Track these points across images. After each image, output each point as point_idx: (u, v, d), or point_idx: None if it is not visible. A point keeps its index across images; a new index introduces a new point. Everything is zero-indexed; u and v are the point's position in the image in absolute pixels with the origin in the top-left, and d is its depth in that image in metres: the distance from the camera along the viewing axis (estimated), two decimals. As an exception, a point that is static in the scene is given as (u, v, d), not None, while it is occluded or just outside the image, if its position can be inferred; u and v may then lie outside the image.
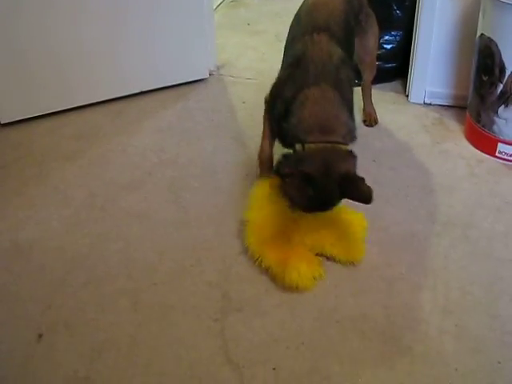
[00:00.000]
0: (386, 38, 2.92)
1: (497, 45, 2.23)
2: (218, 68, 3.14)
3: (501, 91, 2.27)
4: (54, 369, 1.58)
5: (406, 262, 1.90)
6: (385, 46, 2.93)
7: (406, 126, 2.66)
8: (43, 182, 2.32)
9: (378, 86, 2.94)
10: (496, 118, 2.34)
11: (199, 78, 3.01)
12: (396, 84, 2.98)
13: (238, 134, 2.60)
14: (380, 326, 1.68)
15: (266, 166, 2.08)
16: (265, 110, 2.06)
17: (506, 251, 1.94)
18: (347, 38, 2.11)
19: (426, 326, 1.68)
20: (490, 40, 2.25)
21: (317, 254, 1.85)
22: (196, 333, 1.66)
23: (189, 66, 2.95)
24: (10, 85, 2.61)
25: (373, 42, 2.41)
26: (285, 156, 1.81)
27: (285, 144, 1.93)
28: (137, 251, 1.96)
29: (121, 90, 2.88)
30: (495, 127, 2.36)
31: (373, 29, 2.37)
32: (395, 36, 2.92)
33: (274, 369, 1.55)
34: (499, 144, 2.37)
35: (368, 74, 2.55)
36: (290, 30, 2.17)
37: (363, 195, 1.69)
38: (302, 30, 2.05)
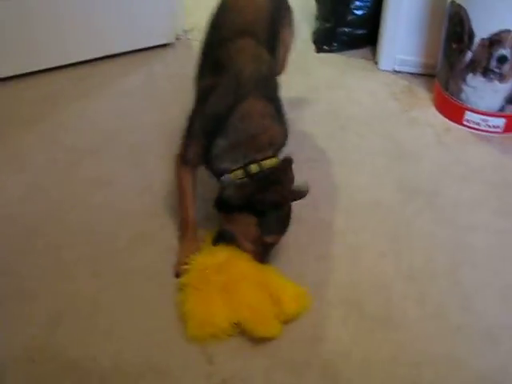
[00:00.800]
0: (357, 3, 2.85)
1: (466, 12, 2.20)
2: (186, 32, 3.05)
3: (470, 59, 2.25)
4: (12, 337, 1.54)
5: (371, 229, 1.90)
6: (355, 11, 2.87)
7: (375, 93, 2.63)
8: (1, 147, 2.24)
9: (347, 52, 2.92)
10: (464, 86, 2.33)
11: (165, 43, 2.93)
12: (366, 51, 2.94)
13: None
14: (343, 292, 1.68)
15: (192, 227, 1.77)
16: (178, 162, 1.77)
17: (470, 219, 1.95)
18: (272, 39, 1.89)
19: (389, 293, 1.68)
20: (460, 7, 2.23)
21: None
22: (157, 299, 1.64)
23: (155, 29, 2.86)
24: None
25: (290, 39, 2.07)
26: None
27: (213, 170, 1.69)
28: (97, 218, 1.92)
29: (84, 54, 2.78)
30: (463, 95, 2.35)
31: (291, 25, 2.07)
32: (366, 2, 2.86)
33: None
34: (467, 112, 2.36)
35: (280, 70, 2.05)
36: (206, 36, 1.92)
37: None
38: (222, 34, 1.83)
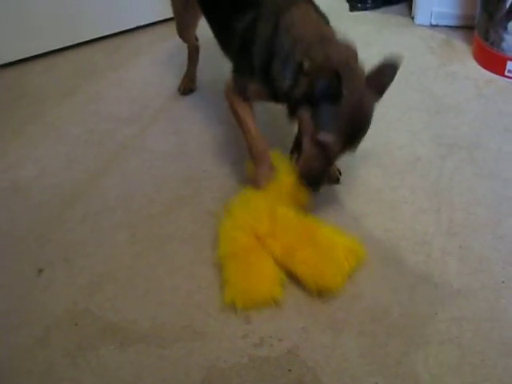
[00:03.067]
0: (391, -42, 2.79)
1: (505, -45, 2.11)
2: None
3: (510, 5, 2.16)
4: (54, 302, 1.57)
5: (409, 185, 1.85)
6: (389, -33, 2.80)
7: (412, 48, 2.56)
8: (40, 120, 2.28)
9: (382, 9, 2.84)
10: (505, 35, 2.24)
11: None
12: (401, 6, 2.86)
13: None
14: (381, 249, 1.65)
15: (265, 159, 1.73)
16: (231, 93, 1.75)
17: (512, 171, 1.89)
18: None
19: (429, 248, 1.65)
20: (498, -49, 2.14)
21: (287, 271, 1.55)
22: (194, 262, 1.64)
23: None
24: (3, 25, 2.54)
25: None
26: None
27: (281, 94, 1.60)
28: (134, 184, 1.94)
29: (117, 26, 2.80)
30: (504, 44, 2.26)
31: None
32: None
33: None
34: (508, 62, 2.27)
35: None
36: None
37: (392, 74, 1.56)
38: None
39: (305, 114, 1.50)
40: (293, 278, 1.54)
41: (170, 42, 2.68)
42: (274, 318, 1.49)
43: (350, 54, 1.54)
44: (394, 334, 1.44)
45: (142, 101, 2.34)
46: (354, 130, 1.50)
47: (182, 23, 2.23)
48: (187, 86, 2.36)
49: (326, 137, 1.48)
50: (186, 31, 2.26)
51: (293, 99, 1.53)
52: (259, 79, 1.65)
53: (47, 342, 1.47)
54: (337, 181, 1.85)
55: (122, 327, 1.49)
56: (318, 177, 1.58)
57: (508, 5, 2.16)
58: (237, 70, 1.75)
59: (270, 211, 1.59)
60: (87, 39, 2.75)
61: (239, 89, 1.73)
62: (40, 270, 1.66)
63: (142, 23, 2.84)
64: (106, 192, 1.92)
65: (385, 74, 1.56)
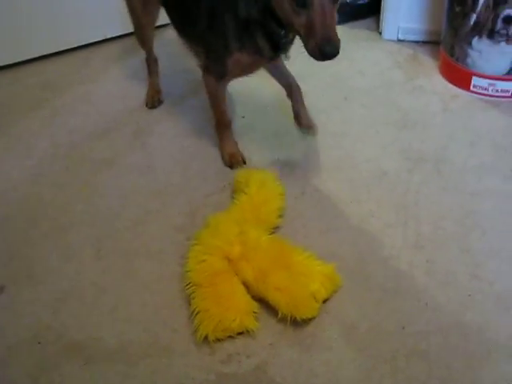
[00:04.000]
0: (359, -27, 2.82)
1: (469, -27, 2.15)
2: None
3: (474, 22, 2.20)
4: (17, 320, 1.55)
5: (377, 199, 1.86)
6: (357, -19, 2.83)
7: (379, 62, 2.58)
8: (6, 132, 2.26)
9: (350, 24, 2.87)
10: (470, 51, 2.27)
11: (166, 23, 2.89)
12: (369, 21, 2.89)
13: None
14: (349, 263, 1.65)
15: (229, 127, 2.03)
16: (208, 77, 1.89)
17: (478, 185, 1.90)
18: None
19: (397, 262, 1.65)
20: (463, -32, 2.18)
21: (259, 299, 1.53)
22: (161, 278, 1.63)
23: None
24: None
25: None
26: None
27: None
28: (101, 198, 1.92)
29: (85, 38, 2.78)
30: (469, 60, 2.29)
31: None
32: (367, -29, 2.81)
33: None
34: (473, 78, 2.31)
35: None
36: None
37: None
38: None
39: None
40: (263, 302, 1.52)
41: (138, 55, 2.66)
42: (241, 335, 1.47)
43: None
44: (361, 348, 1.44)
45: (109, 114, 2.32)
46: None
47: (141, 23, 2.24)
48: (154, 99, 2.36)
49: None
50: (145, 33, 2.29)
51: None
52: (238, 46, 1.71)
53: (8, 362, 1.44)
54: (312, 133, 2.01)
55: (86, 345, 1.47)
56: (333, 30, 1.52)
57: (472, 21, 2.19)
58: (211, 52, 1.82)
59: (241, 234, 1.58)
60: (54, 51, 2.73)
61: (216, 71, 1.84)
62: (2, 288, 1.63)
63: (110, 36, 2.82)
64: (72, 207, 1.89)
65: None
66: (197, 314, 1.48)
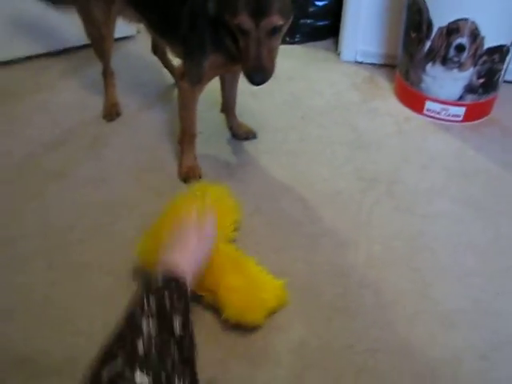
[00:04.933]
0: (319, -6, 2.87)
1: (424, 1, 2.21)
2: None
3: (428, 48, 2.27)
4: (-38, 333, 1.51)
5: (330, 218, 1.89)
6: (317, 3, 2.89)
7: (337, 84, 2.63)
8: (-43, 140, 2.21)
9: (309, 44, 2.92)
10: (424, 76, 2.34)
11: (126, 35, 2.90)
12: (328, 42, 2.95)
13: (164, 93, 2.55)
14: (300, 282, 1.66)
15: (194, 141, 2.04)
16: (184, 81, 1.90)
17: (429, 207, 1.95)
18: None
19: (347, 281, 1.68)
20: (418, -4, 2.24)
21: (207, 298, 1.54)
22: (112, 292, 1.61)
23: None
24: None
25: None
26: None
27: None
28: (53, 210, 1.89)
29: (43, 47, 2.75)
30: (423, 85, 2.36)
31: None
32: (328, -7, 2.87)
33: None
34: (427, 102, 2.38)
35: None
36: None
37: None
38: None
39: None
40: (206, 304, 1.53)
41: (96, 66, 2.65)
42: (190, 350, 1.47)
43: None
44: (310, 365, 1.45)
45: (65, 125, 2.30)
46: (257, 4, 1.55)
47: (102, 34, 2.23)
48: (112, 112, 2.35)
49: (237, 19, 1.56)
50: (104, 44, 2.29)
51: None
52: (214, 48, 1.77)
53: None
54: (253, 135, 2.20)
55: (32, 359, 1.44)
56: (264, 61, 1.59)
57: (427, 48, 2.26)
58: (189, 53, 1.85)
59: None
60: (11, 58, 2.69)
61: (193, 74, 1.86)
62: None
63: (69, 46, 2.80)
64: (24, 218, 1.86)
65: None
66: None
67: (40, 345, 1.47)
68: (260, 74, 1.60)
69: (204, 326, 1.51)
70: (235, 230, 1.76)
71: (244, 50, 1.61)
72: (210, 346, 1.48)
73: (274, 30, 1.58)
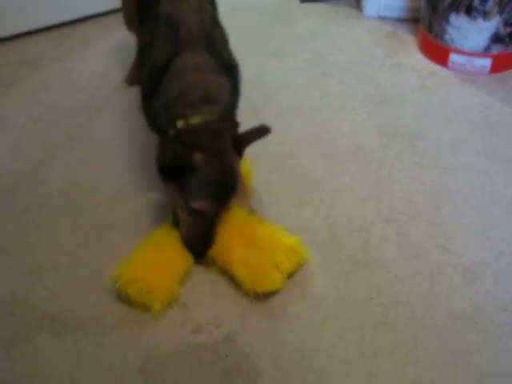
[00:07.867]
0: (340, -51, 2.81)
1: (447, -51, 2.15)
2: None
3: (451, -2, 2.21)
4: (-8, 292, 1.56)
5: (351, 173, 1.88)
6: (338, -43, 2.82)
7: (359, 40, 2.59)
8: (-17, 110, 2.25)
9: (332, 1, 2.86)
10: (447, 27, 2.28)
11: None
12: (351, -2, 2.89)
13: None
14: (320, 236, 1.67)
15: None
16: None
17: (452, 160, 1.93)
18: None
19: (367, 235, 1.67)
20: None
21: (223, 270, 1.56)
22: (134, 252, 1.64)
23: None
24: None
25: None
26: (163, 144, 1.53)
27: (158, 128, 1.61)
28: (78, 174, 1.92)
29: (65, 15, 2.77)
30: (447, 36, 2.30)
31: None
32: None
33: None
34: (451, 54, 2.32)
35: None
36: None
37: (259, 134, 1.53)
38: None
39: (172, 185, 1.47)
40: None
41: (118, 33, 2.66)
42: (212, 306, 1.50)
43: (221, 119, 1.49)
44: (329, 318, 1.46)
45: (87, 91, 2.32)
46: (223, 190, 1.47)
47: (129, 10, 2.20)
48: (135, 76, 2.35)
49: (198, 204, 1.46)
50: (133, 18, 2.24)
51: (158, 161, 1.49)
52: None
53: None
54: None
55: (59, 316, 1.49)
56: (204, 241, 1.54)
57: (450, -3, 2.20)
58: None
59: None
60: (34, 28, 2.71)
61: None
62: (-23, 262, 1.65)
63: (90, 13, 2.81)
64: (50, 182, 1.90)
65: (252, 134, 1.52)
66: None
67: (66, 302, 1.52)
68: (191, 251, 1.56)
69: (223, 282, 1.54)
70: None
71: (185, 224, 1.52)
72: (230, 301, 1.51)
73: None
